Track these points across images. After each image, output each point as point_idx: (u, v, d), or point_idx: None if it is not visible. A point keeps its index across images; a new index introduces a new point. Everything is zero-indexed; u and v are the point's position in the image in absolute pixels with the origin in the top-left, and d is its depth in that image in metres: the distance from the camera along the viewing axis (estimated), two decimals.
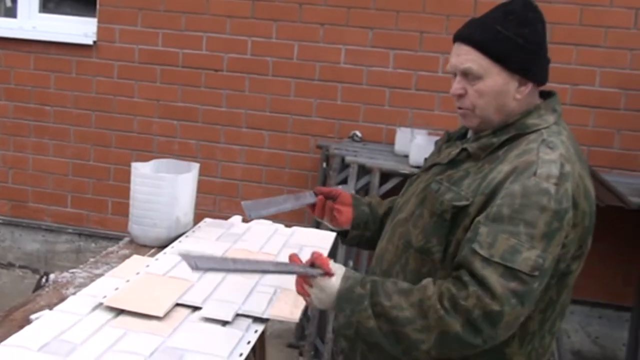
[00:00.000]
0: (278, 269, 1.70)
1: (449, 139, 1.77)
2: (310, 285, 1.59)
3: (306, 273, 1.60)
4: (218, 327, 1.85)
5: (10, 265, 4.72)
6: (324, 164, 4.04)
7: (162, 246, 2.52)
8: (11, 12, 4.70)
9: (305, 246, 2.46)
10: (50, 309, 1.87)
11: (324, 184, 4.07)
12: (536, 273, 1.41)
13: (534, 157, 1.50)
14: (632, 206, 3.33)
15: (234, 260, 1.70)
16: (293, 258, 1.63)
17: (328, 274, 1.57)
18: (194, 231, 2.60)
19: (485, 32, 1.56)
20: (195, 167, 2.68)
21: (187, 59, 4.37)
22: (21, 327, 1.74)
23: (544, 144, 1.52)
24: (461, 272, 1.46)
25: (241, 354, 1.72)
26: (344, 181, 3.70)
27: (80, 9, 4.66)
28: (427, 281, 1.51)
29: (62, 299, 1.96)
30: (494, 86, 1.56)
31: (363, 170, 3.68)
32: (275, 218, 2.66)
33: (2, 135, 4.63)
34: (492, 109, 1.58)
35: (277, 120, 4.30)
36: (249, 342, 1.79)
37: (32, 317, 1.80)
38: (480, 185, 1.52)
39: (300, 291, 1.63)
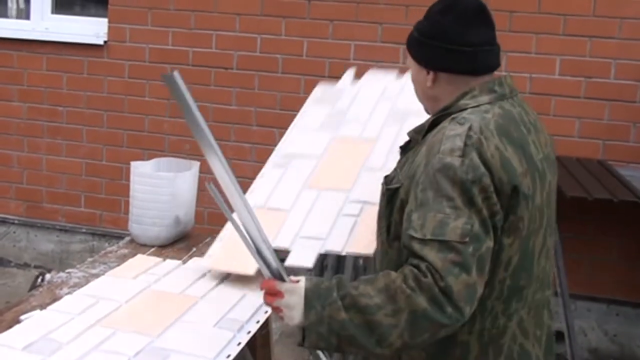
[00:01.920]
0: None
1: None
2: (281, 296, 1.56)
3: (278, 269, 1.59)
4: (209, 327, 1.83)
5: (26, 266, 4.76)
6: None
7: (162, 245, 2.52)
8: (24, 14, 4.73)
9: (409, 115, 2.34)
10: (42, 309, 1.87)
11: None
12: (466, 239, 1.44)
13: (441, 135, 1.57)
14: None
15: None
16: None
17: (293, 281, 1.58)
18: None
19: (414, 28, 1.73)
20: (196, 165, 2.67)
21: (197, 58, 4.36)
22: (10, 327, 1.73)
23: (454, 121, 1.57)
24: (410, 258, 1.50)
25: (229, 355, 1.70)
26: None
27: (92, 8, 4.68)
28: (386, 270, 1.53)
29: (55, 299, 1.95)
30: (412, 76, 1.74)
31: None
32: None
33: (16, 136, 4.67)
34: (420, 96, 1.75)
35: (288, 118, 4.22)
36: (239, 344, 1.77)
37: (22, 317, 1.80)
38: (410, 169, 1.62)
39: (269, 302, 1.59)
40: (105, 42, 4.46)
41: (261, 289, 1.60)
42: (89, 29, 4.54)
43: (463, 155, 1.49)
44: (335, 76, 4.15)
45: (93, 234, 4.63)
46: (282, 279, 1.59)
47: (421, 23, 1.69)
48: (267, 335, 2.76)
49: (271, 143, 4.31)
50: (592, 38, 3.84)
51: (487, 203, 1.48)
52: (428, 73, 1.66)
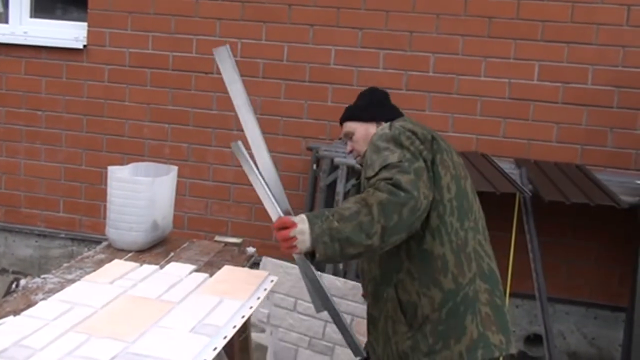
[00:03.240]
0: None
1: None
2: (295, 225, 1.99)
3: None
4: (185, 332, 1.82)
5: (4, 271, 4.72)
6: (314, 166, 4.01)
7: (139, 250, 2.50)
8: (3, 18, 4.70)
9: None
10: (16, 315, 1.85)
11: (314, 186, 4.04)
12: (402, 160, 2.05)
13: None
14: (623, 205, 3.28)
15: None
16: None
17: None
18: None
19: (347, 111, 2.43)
20: (174, 170, 2.66)
21: (177, 62, 4.35)
22: None
23: (381, 125, 2.30)
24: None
25: None
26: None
27: (71, 12, 4.65)
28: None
29: (30, 304, 1.93)
30: (361, 136, 2.35)
31: (352, 171, 3.64)
32: None
33: None
34: (364, 146, 2.32)
35: (268, 123, 4.27)
36: (215, 349, 1.76)
37: None
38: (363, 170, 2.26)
39: (286, 242, 2.00)
40: (84, 46, 4.44)
41: (274, 227, 2.04)
42: (69, 32, 4.52)
43: (390, 128, 2.17)
44: (316, 81, 4.19)
45: (72, 239, 4.60)
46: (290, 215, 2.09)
47: (356, 104, 2.40)
48: (246, 340, 2.75)
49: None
50: (570, 44, 3.88)
51: (413, 145, 2.10)
52: (370, 125, 2.33)
